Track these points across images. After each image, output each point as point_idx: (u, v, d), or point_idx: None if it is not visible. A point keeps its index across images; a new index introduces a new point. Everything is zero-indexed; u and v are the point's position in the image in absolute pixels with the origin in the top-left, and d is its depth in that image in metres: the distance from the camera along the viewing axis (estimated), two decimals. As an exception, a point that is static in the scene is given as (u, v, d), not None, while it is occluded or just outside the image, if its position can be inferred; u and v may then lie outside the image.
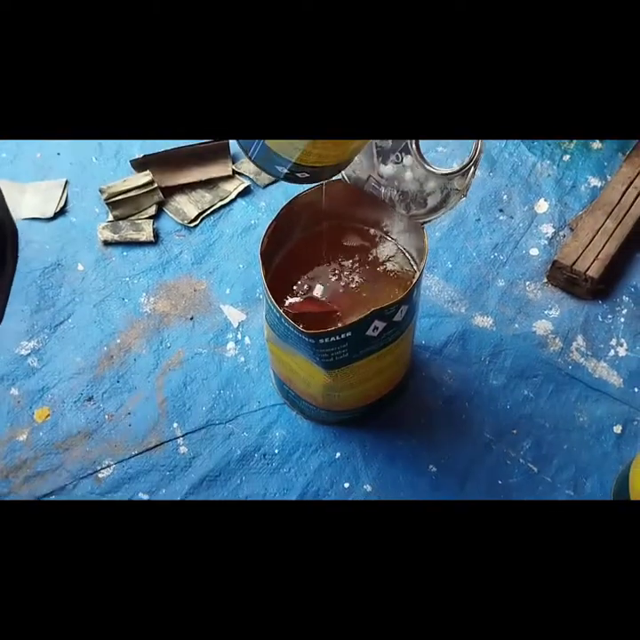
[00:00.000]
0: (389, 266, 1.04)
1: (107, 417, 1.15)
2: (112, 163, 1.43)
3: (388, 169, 0.92)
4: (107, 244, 1.33)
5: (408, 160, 0.90)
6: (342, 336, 0.88)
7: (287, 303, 1.01)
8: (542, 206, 1.36)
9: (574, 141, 1.43)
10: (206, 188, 1.39)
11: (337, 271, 1.04)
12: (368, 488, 1.08)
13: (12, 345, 1.22)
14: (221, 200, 1.38)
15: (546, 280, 1.27)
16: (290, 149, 0.66)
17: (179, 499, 1.07)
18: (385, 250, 1.05)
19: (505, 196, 1.38)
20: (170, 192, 1.38)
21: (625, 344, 1.20)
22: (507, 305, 1.25)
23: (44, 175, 1.42)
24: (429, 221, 0.94)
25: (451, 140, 1.44)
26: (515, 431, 1.12)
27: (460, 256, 1.31)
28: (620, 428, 1.12)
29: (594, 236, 1.25)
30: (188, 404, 1.16)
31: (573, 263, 1.22)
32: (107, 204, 1.35)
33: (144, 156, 1.39)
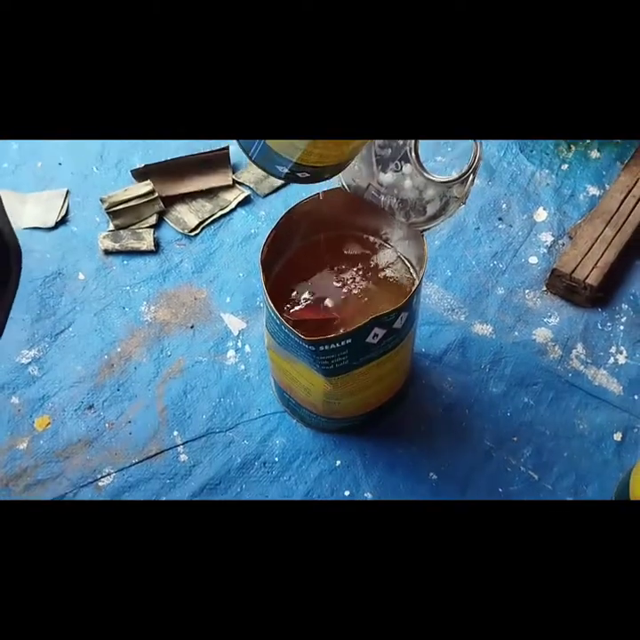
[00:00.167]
0: (389, 273, 1.04)
1: (107, 425, 1.15)
2: (113, 172, 1.44)
3: (387, 177, 0.92)
4: (107, 253, 1.33)
5: (407, 168, 0.90)
6: (342, 343, 0.88)
7: (287, 310, 1.02)
8: (541, 215, 1.37)
9: (573, 150, 1.44)
10: (207, 197, 1.40)
11: (337, 279, 1.04)
12: (368, 496, 1.08)
13: (13, 353, 1.22)
14: (222, 209, 1.39)
15: (545, 288, 1.28)
16: (291, 149, 0.66)
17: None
18: (385, 257, 1.05)
19: (504, 205, 1.39)
20: (170, 201, 1.39)
21: (624, 352, 1.20)
22: (506, 313, 1.25)
23: (46, 185, 1.43)
24: (429, 229, 0.94)
25: (450, 150, 1.45)
26: (515, 439, 1.12)
27: (460, 264, 1.31)
28: (621, 435, 1.12)
29: (592, 245, 1.26)
30: (188, 412, 1.16)
31: (572, 271, 1.22)
32: (108, 213, 1.35)
33: (145, 165, 1.40)
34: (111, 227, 1.36)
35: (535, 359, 1.20)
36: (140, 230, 1.35)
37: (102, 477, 1.10)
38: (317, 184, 0.92)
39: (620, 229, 1.27)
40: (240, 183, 1.42)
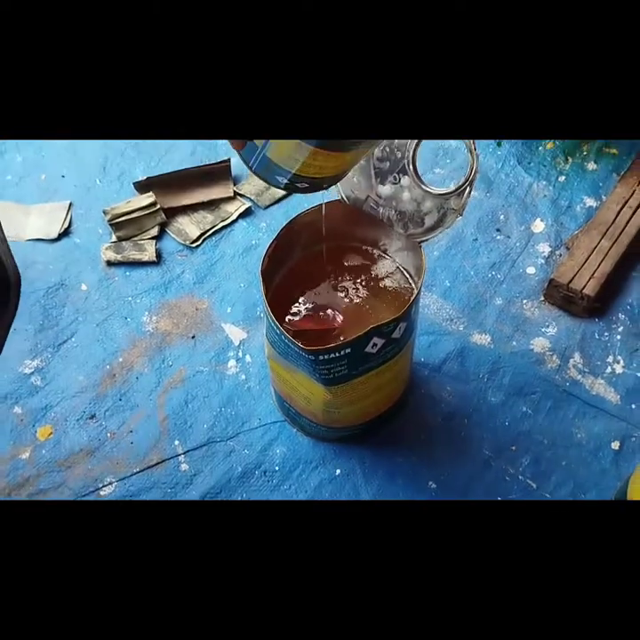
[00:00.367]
0: (388, 284, 1.06)
1: (109, 435, 1.16)
2: (116, 185, 1.46)
3: (385, 189, 0.94)
4: (110, 264, 1.35)
5: (405, 181, 0.92)
6: (341, 352, 0.89)
7: (287, 320, 1.03)
8: (539, 226, 1.39)
9: (570, 162, 1.46)
10: (208, 209, 1.42)
11: (336, 289, 1.06)
12: (368, 505, 1.09)
13: (16, 364, 1.23)
14: (223, 221, 1.40)
15: (543, 298, 1.29)
16: (290, 161, 0.68)
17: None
18: (384, 268, 1.07)
19: (502, 217, 1.40)
20: (172, 213, 1.40)
21: (622, 361, 1.21)
22: (504, 323, 1.26)
23: (49, 197, 1.44)
24: (427, 240, 0.96)
25: (448, 162, 1.47)
26: (513, 448, 1.13)
27: (458, 275, 1.32)
28: (618, 444, 1.13)
29: (589, 255, 1.27)
30: (189, 421, 1.17)
31: (570, 281, 1.24)
32: (110, 225, 1.37)
33: (147, 178, 1.41)
34: (113, 238, 1.37)
35: (533, 369, 1.21)
36: (142, 241, 1.37)
37: (104, 487, 1.11)
38: (318, 196, 0.94)
39: (616, 240, 1.28)
40: (241, 195, 1.43)
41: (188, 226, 1.39)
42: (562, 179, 1.44)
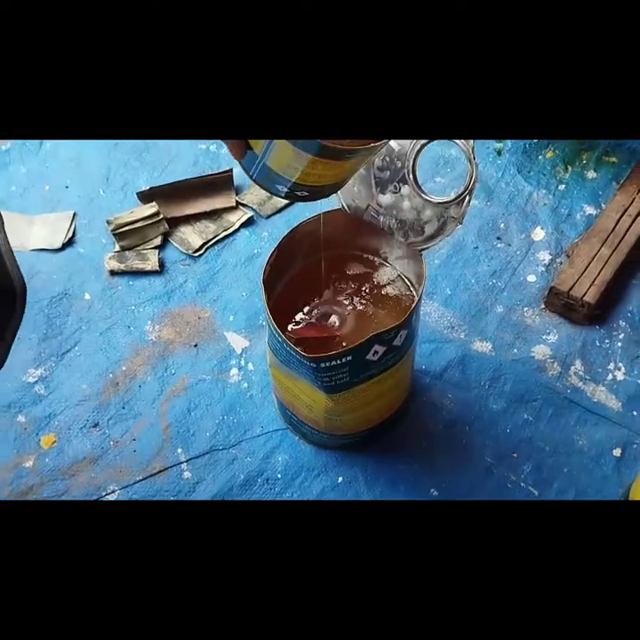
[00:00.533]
0: (389, 292, 1.07)
1: (112, 443, 1.17)
2: (119, 195, 1.47)
3: (386, 198, 0.95)
4: (113, 273, 1.36)
5: (405, 190, 0.93)
6: (343, 360, 0.90)
7: (289, 328, 1.04)
8: (539, 234, 1.39)
9: (569, 171, 1.47)
10: (210, 218, 1.43)
11: (338, 297, 1.06)
12: (370, 512, 1.09)
13: (20, 373, 1.24)
14: (225, 230, 1.41)
15: (543, 306, 1.29)
16: (290, 170, 0.68)
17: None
18: (384, 276, 1.07)
19: (502, 225, 1.41)
20: (175, 223, 1.42)
21: (623, 368, 1.22)
22: (505, 330, 1.27)
23: (53, 207, 1.46)
24: (427, 248, 0.97)
25: (449, 171, 1.48)
26: (515, 455, 1.13)
27: (459, 283, 1.33)
28: (620, 451, 1.13)
29: (590, 263, 1.28)
30: (191, 429, 1.17)
31: (570, 289, 1.24)
32: (113, 234, 1.38)
33: (150, 188, 1.43)
34: (117, 248, 1.38)
35: (534, 376, 1.21)
36: (145, 251, 1.38)
37: (107, 495, 1.12)
38: (319, 205, 0.95)
39: (616, 248, 1.29)
40: (243, 205, 1.45)
41: (191, 235, 1.41)
42: (562, 187, 1.45)
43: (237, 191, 1.46)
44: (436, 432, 1.16)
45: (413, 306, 0.93)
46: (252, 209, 1.44)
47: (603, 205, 1.41)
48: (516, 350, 1.24)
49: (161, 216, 1.39)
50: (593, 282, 1.25)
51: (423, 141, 0.88)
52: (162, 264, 1.37)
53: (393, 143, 0.90)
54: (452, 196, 0.90)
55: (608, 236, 1.31)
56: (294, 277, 1.07)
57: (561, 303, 1.26)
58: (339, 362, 0.90)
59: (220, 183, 1.45)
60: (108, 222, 1.39)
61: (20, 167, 1.52)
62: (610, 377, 1.21)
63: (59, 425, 1.18)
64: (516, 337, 1.26)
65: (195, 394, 1.21)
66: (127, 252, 1.38)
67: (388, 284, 1.07)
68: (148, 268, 1.36)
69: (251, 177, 0.73)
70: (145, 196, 1.43)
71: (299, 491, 1.11)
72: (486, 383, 1.21)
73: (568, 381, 1.21)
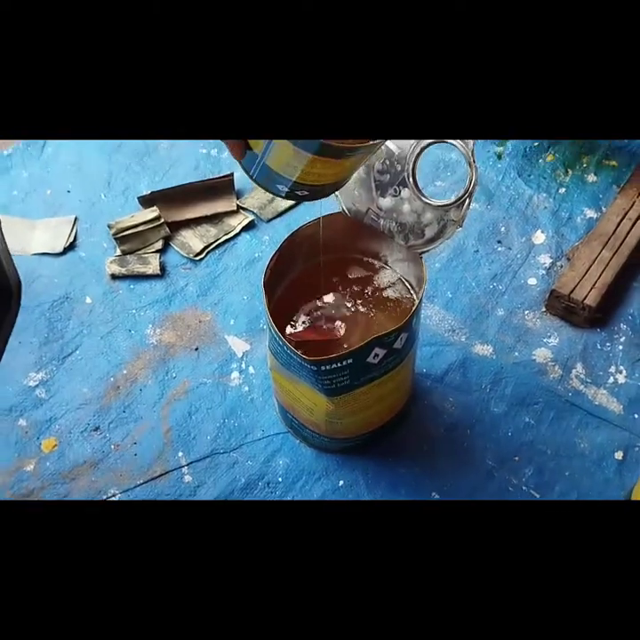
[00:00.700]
0: (390, 295, 1.07)
1: (113, 447, 1.17)
2: (120, 199, 1.47)
3: (386, 202, 0.95)
4: (114, 277, 1.36)
5: (406, 193, 0.93)
6: (343, 363, 0.90)
7: (290, 331, 1.04)
8: (539, 237, 1.39)
9: (570, 174, 1.47)
10: (211, 222, 1.43)
11: (339, 300, 1.07)
12: (371, 516, 1.09)
13: (21, 377, 1.24)
14: (226, 234, 1.42)
15: (544, 309, 1.29)
16: (290, 169, 0.68)
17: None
18: (385, 279, 1.07)
19: (503, 228, 1.41)
20: (176, 227, 1.42)
21: (624, 371, 1.21)
22: (506, 333, 1.27)
23: (55, 212, 1.46)
24: (427, 251, 0.97)
25: (449, 174, 1.48)
26: (516, 458, 1.13)
27: (460, 286, 1.33)
28: (622, 454, 1.13)
29: (590, 266, 1.28)
30: (192, 433, 1.17)
31: (571, 292, 1.24)
32: (115, 239, 1.38)
33: (151, 192, 1.43)
34: (118, 252, 1.39)
35: (535, 379, 1.21)
36: (147, 255, 1.38)
37: (108, 498, 1.11)
38: (319, 208, 0.95)
39: (617, 251, 1.29)
40: (244, 208, 1.45)
41: (192, 239, 1.41)
42: (562, 191, 1.46)
43: (238, 195, 1.46)
44: (437, 435, 1.16)
45: (414, 309, 0.93)
46: (253, 213, 1.44)
47: (603, 209, 1.41)
48: (516, 353, 1.24)
49: (162, 220, 1.39)
50: (594, 285, 1.25)
51: (423, 144, 0.88)
52: (163, 268, 1.37)
53: (393, 146, 0.90)
54: (453, 198, 0.90)
55: (609, 239, 1.31)
56: (295, 281, 1.07)
57: (562, 306, 1.26)
58: (339, 365, 0.90)
59: (220, 187, 1.45)
60: (110, 226, 1.39)
61: (22, 172, 1.52)
62: (611, 380, 1.21)
63: (59, 429, 1.18)
64: (517, 340, 1.26)
65: (195, 397, 1.21)
66: (128, 256, 1.38)
67: (389, 286, 1.07)
68: (149, 271, 1.36)
69: (251, 177, 0.73)
70: (146, 201, 1.43)
71: (300, 494, 1.11)
72: (487, 386, 1.21)
73: (569, 384, 1.20)
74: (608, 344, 1.25)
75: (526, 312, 1.30)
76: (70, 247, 1.41)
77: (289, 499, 1.10)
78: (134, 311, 1.32)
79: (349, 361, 0.90)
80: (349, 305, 1.06)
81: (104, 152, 1.54)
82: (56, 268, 1.38)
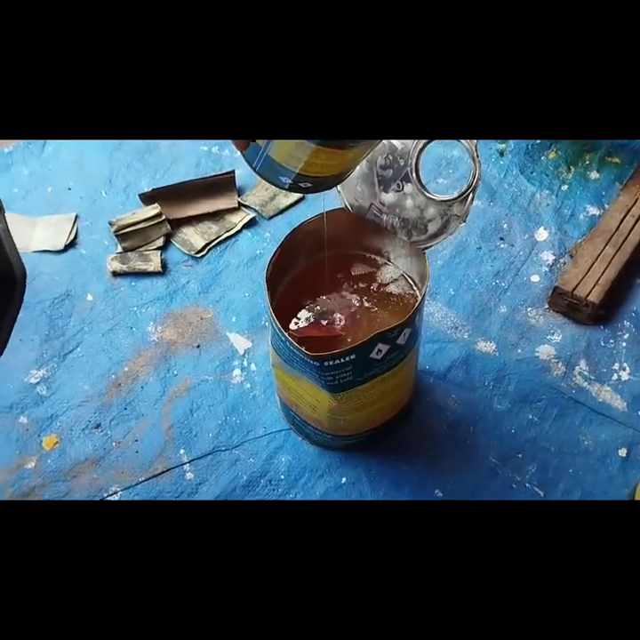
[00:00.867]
0: (393, 290, 1.06)
1: (114, 444, 1.16)
2: (121, 196, 1.47)
3: (389, 197, 0.94)
4: (115, 274, 1.36)
5: (408, 188, 0.93)
6: (346, 359, 0.89)
7: (292, 327, 1.03)
8: (542, 234, 1.39)
9: (572, 171, 1.47)
10: (213, 219, 1.43)
11: (341, 296, 1.06)
12: (374, 513, 1.08)
13: (22, 374, 1.23)
14: (227, 231, 1.41)
15: (547, 306, 1.29)
16: (293, 161, 0.68)
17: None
18: (387, 275, 1.07)
19: (505, 225, 1.41)
20: (177, 224, 1.41)
21: (627, 368, 1.21)
22: (509, 330, 1.26)
23: (55, 209, 1.46)
24: (430, 247, 0.96)
25: (451, 172, 1.48)
26: (520, 455, 1.13)
27: (463, 283, 1.33)
28: (625, 451, 1.12)
29: (593, 263, 1.27)
30: (194, 430, 1.17)
31: (574, 289, 1.24)
32: (116, 236, 1.38)
33: (152, 189, 1.43)
34: (119, 249, 1.38)
35: (539, 376, 1.21)
36: (148, 252, 1.37)
37: (109, 496, 1.11)
38: (321, 204, 0.95)
39: (620, 248, 1.29)
40: (246, 206, 1.44)
41: (193, 236, 1.40)
42: (564, 188, 1.45)
43: (240, 192, 1.46)
44: (440, 433, 1.15)
45: (417, 304, 0.92)
46: (255, 210, 1.44)
47: (606, 206, 1.41)
48: (520, 350, 1.24)
49: (163, 217, 1.39)
50: (597, 281, 1.24)
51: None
52: (164, 265, 1.37)
53: (396, 141, 0.90)
54: (456, 193, 0.89)
55: (612, 236, 1.30)
56: (297, 277, 1.07)
57: (565, 303, 1.26)
58: (342, 360, 0.89)
59: (222, 184, 1.45)
60: (111, 224, 1.39)
61: (23, 169, 1.52)
62: (615, 377, 1.20)
63: (61, 426, 1.18)
64: (520, 337, 1.25)
65: (197, 395, 1.21)
66: (129, 254, 1.37)
67: (391, 282, 1.07)
68: (151, 269, 1.36)
69: (254, 169, 0.73)
70: (147, 198, 1.43)
71: (302, 492, 1.10)
72: (490, 383, 1.20)
73: (573, 381, 1.20)
74: (611, 341, 1.24)
75: (529, 309, 1.29)
76: (71, 244, 1.40)
77: (291, 496, 1.10)
78: (135, 308, 1.32)
79: (352, 357, 0.89)
80: (352, 301, 1.06)
81: (105, 150, 1.54)
82: (57, 266, 1.38)
